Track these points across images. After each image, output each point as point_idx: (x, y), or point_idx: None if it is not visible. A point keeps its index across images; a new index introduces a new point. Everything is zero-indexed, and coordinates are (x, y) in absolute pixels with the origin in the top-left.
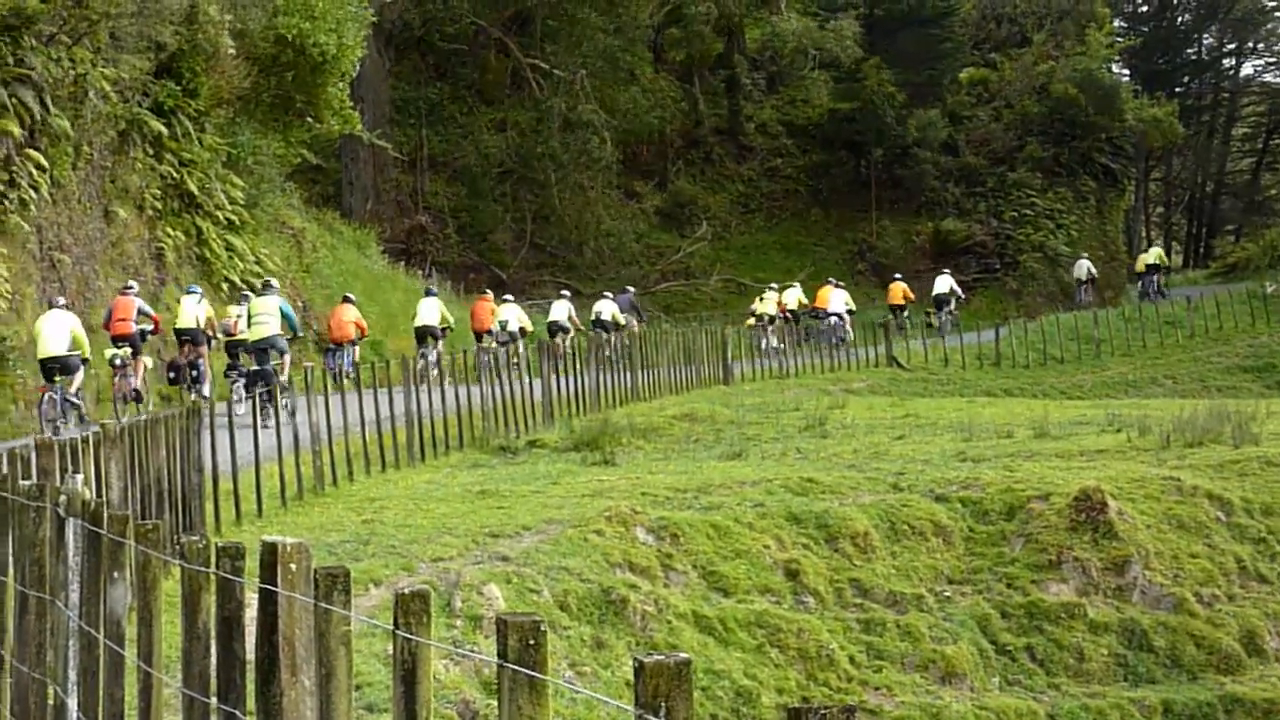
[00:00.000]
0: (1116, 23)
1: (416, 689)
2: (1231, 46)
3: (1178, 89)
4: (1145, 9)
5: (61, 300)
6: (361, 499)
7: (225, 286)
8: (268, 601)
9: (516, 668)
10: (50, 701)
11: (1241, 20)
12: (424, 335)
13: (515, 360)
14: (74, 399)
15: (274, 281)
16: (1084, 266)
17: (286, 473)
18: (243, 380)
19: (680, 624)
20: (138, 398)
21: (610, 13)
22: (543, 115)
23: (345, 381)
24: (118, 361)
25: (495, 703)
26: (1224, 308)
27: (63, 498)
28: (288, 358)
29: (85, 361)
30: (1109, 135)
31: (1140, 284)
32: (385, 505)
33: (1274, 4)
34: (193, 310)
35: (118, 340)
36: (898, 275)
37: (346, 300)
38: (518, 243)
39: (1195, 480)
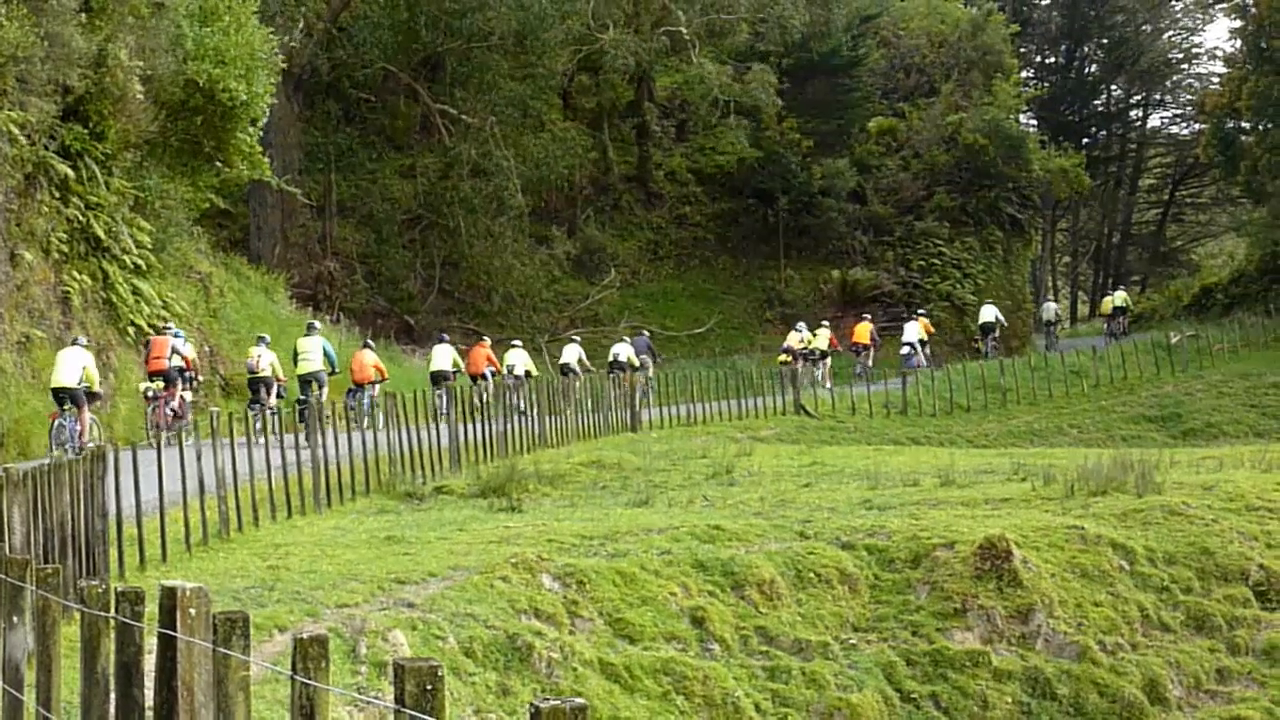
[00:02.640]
0: (1024, 74)
1: None
2: (1138, 98)
3: (1085, 140)
4: (1053, 60)
5: (83, 340)
6: (267, 544)
7: (131, 331)
8: (167, 646)
9: (414, 713)
10: None
11: (1148, 72)
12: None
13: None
14: (82, 426)
15: (316, 323)
16: (991, 312)
17: (192, 518)
18: (263, 411)
19: (586, 671)
20: (180, 423)
21: (521, 60)
22: (452, 161)
23: (366, 420)
24: (150, 394)
25: None
26: (1129, 358)
27: None
28: (325, 389)
29: (93, 396)
30: (1016, 185)
31: (1107, 326)
32: (291, 551)
33: (1180, 56)
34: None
35: (153, 375)
36: (866, 315)
37: (366, 346)
38: (426, 288)
39: (1099, 529)
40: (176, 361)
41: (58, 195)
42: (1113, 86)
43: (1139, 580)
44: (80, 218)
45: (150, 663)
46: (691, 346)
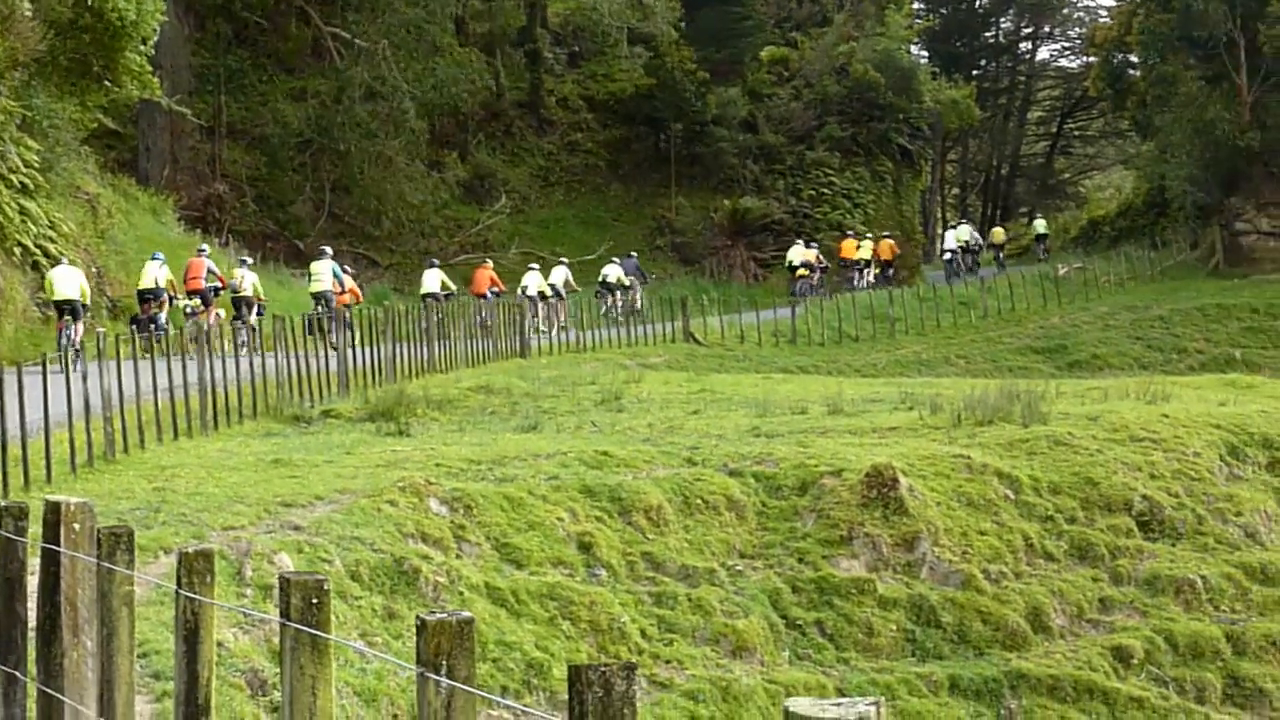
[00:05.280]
0: (916, 5)
1: (199, 648)
2: (1028, 31)
3: (975, 72)
4: None
5: (66, 259)
6: (153, 467)
7: (17, 251)
8: (50, 561)
9: (299, 627)
10: None
11: (1038, 5)
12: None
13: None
14: (78, 340)
15: (327, 248)
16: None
17: (77, 439)
18: (245, 328)
19: (472, 595)
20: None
21: None
22: (344, 85)
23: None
24: (189, 310)
25: None
26: (1016, 289)
27: None
28: (334, 304)
29: (85, 308)
30: (907, 116)
31: (997, 256)
32: (177, 473)
33: None
34: (154, 273)
35: (191, 294)
36: (886, 233)
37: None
38: (316, 212)
39: (985, 458)
40: (212, 282)
41: None
42: (1003, 19)
43: (1024, 509)
44: None
45: (35, 582)
46: (582, 274)
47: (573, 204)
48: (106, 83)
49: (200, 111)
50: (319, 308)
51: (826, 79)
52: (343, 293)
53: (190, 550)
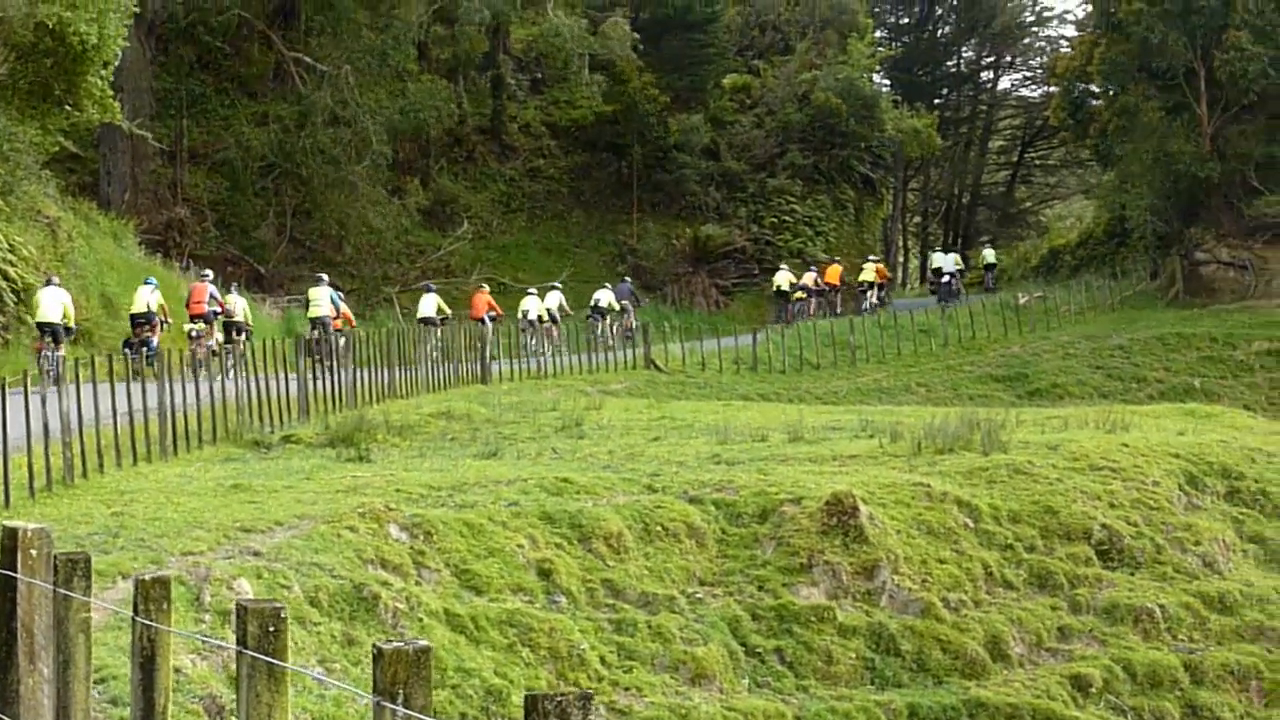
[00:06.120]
0: (878, 33)
1: (155, 675)
2: (990, 60)
3: (937, 100)
4: (907, 21)
5: (56, 279)
6: (112, 491)
7: None
8: (6, 587)
9: (256, 654)
10: None
11: (1000, 35)
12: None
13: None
14: (62, 357)
15: (324, 276)
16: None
17: (36, 463)
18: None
19: (432, 621)
20: (215, 355)
21: (377, 9)
22: (307, 110)
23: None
24: (194, 333)
25: None
26: (977, 318)
27: None
28: (330, 328)
29: (70, 330)
30: (868, 144)
31: (986, 279)
32: (136, 498)
33: (1032, 19)
34: (146, 298)
35: (194, 318)
36: (872, 256)
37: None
38: (278, 237)
39: (945, 486)
40: (213, 306)
41: None
42: (965, 48)
43: (983, 538)
44: None
45: None
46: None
47: (535, 230)
48: (68, 106)
49: (162, 136)
50: (315, 332)
51: (789, 107)
52: (337, 317)
53: (147, 577)
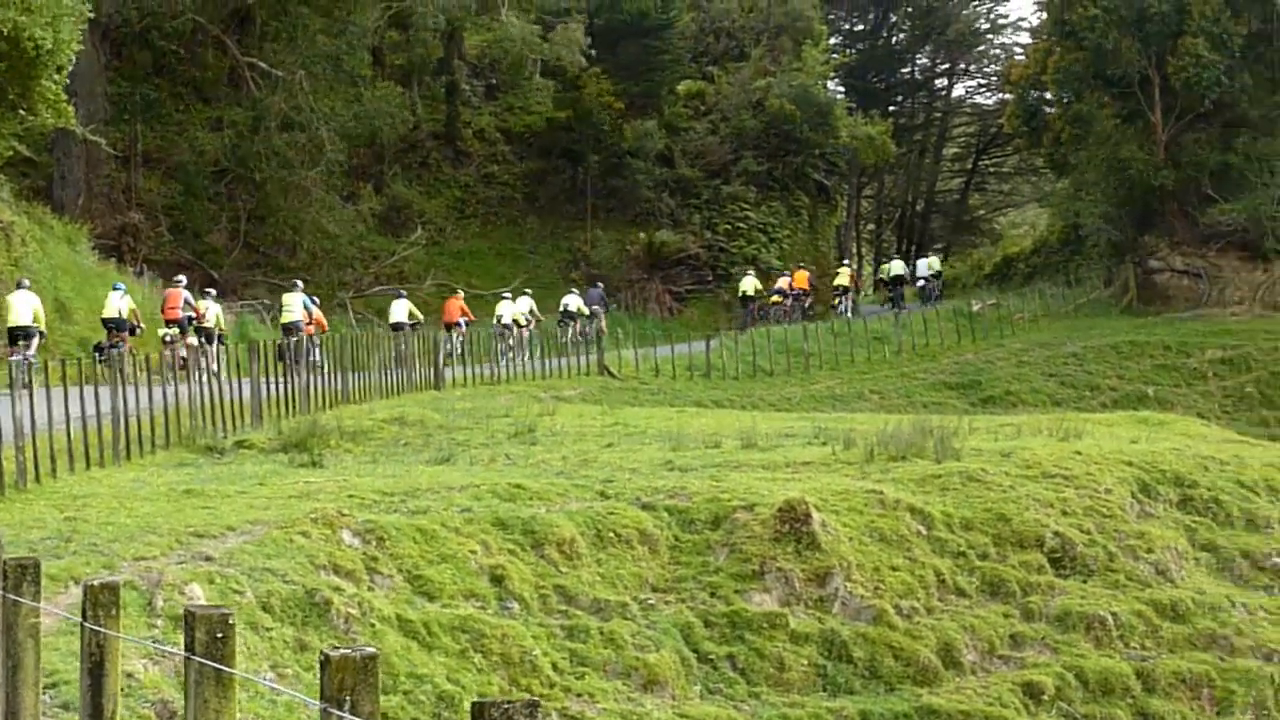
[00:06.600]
0: (833, 40)
1: (104, 681)
2: (944, 67)
3: (891, 107)
4: (861, 28)
5: (26, 282)
6: (65, 496)
7: None
8: None
9: (203, 661)
10: None
11: (954, 42)
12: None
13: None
14: (32, 359)
15: (299, 281)
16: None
17: None
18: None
19: (384, 627)
20: (184, 365)
21: (332, 14)
22: (261, 115)
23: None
24: (168, 339)
25: None
26: (931, 325)
27: None
28: (304, 332)
29: (42, 334)
30: (823, 151)
31: (891, 292)
32: (89, 503)
33: (986, 27)
34: (116, 304)
35: (169, 323)
36: (802, 264)
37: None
38: (231, 242)
39: (898, 494)
40: (187, 312)
41: None
42: (920, 55)
43: (936, 545)
44: None
45: None
46: (496, 306)
47: (489, 236)
48: (21, 111)
49: (116, 140)
50: (288, 338)
51: (743, 113)
52: (309, 323)
53: (95, 583)
